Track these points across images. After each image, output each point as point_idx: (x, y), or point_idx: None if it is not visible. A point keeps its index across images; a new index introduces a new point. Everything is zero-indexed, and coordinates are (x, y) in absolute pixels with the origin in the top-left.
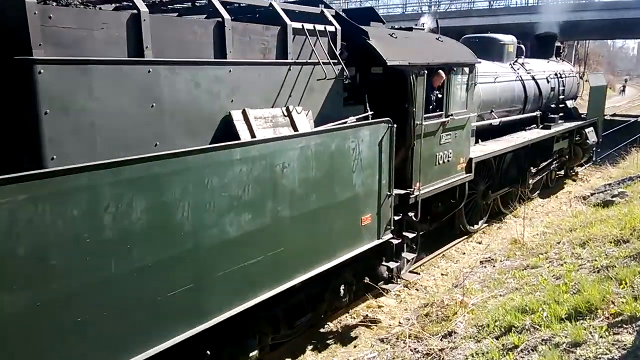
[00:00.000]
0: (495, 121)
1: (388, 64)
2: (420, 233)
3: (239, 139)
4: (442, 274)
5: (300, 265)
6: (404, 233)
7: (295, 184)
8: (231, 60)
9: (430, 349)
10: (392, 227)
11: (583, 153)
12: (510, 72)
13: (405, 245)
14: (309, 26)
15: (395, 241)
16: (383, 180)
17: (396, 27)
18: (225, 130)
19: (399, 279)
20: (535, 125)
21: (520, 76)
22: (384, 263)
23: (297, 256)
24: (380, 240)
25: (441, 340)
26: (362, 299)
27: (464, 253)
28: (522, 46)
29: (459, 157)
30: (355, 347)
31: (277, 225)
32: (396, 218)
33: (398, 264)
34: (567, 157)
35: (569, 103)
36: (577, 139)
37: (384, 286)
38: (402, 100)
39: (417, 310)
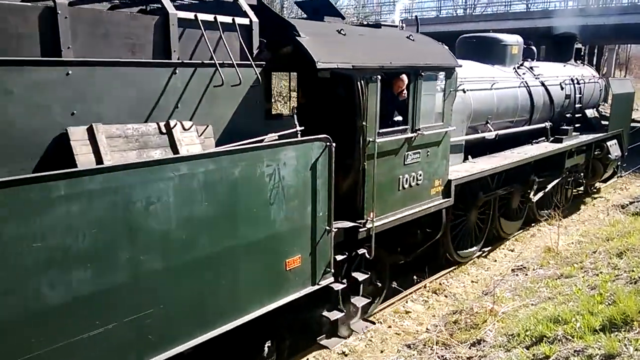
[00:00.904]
0: (490, 134)
1: (318, 66)
2: (402, 262)
3: (75, 165)
4: (472, 281)
5: (185, 328)
6: (354, 274)
7: (171, 225)
8: (70, 59)
9: (458, 356)
10: (333, 270)
11: (604, 169)
12: (513, 77)
13: (366, 284)
14: (205, 17)
15: (338, 286)
16: (319, 213)
17: (366, 23)
18: (59, 155)
19: (356, 327)
20: (544, 138)
21: (526, 82)
22: (324, 313)
23: (180, 318)
24: (316, 287)
25: (470, 348)
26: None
27: (495, 260)
28: (533, 48)
29: (434, 179)
30: (382, 352)
31: (140, 281)
32: (340, 257)
33: (343, 313)
34: (584, 173)
35: (589, 112)
36: (597, 153)
37: (323, 342)
38: (350, 113)
39: (445, 316)
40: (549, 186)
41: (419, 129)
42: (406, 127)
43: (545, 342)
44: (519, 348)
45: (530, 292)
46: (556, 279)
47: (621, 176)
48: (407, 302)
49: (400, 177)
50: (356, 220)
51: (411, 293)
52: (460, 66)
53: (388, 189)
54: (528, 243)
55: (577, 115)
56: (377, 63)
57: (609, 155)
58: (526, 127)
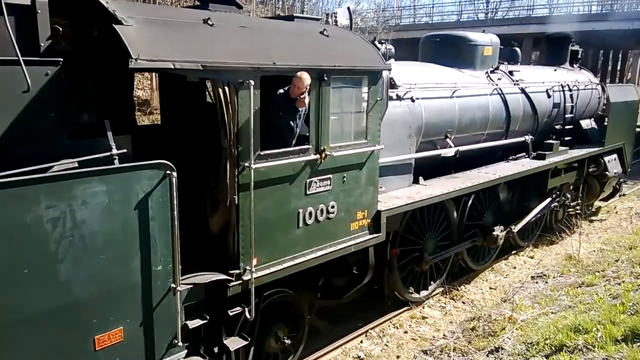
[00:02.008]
0: (449, 151)
1: (132, 64)
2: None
3: None
4: (490, 288)
5: None
6: (226, 341)
7: None
8: None
9: None
10: (182, 342)
11: (600, 187)
12: (484, 83)
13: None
14: None
15: None
16: (157, 266)
17: (278, 15)
18: None
19: None
20: (525, 154)
21: (500, 89)
22: None
23: None
24: None
25: (487, 355)
26: None
27: (514, 267)
28: (517, 49)
29: (355, 210)
30: (397, 357)
31: None
32: (199, 322)
33: None
34: (575, 193)
35: (585, 123)
36: (592, 169)
37: None
38: (214, 130)
39: (462, 323)
40: (533, 212)
41: (323, 149)
42: (307, 146)
43: (565, 352)
44: (538, 357)
45: (550, 300)
46: (577, 288)
47: (624, 194)
48: (424, 307)
49: (301, 210)
50: (229, 270)
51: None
52: (389, 69)
53: (280, 228)
54: (548, 250)
55: (567, 127)
56: (253, 62)
57: (606, 173)
58: (500, 142)
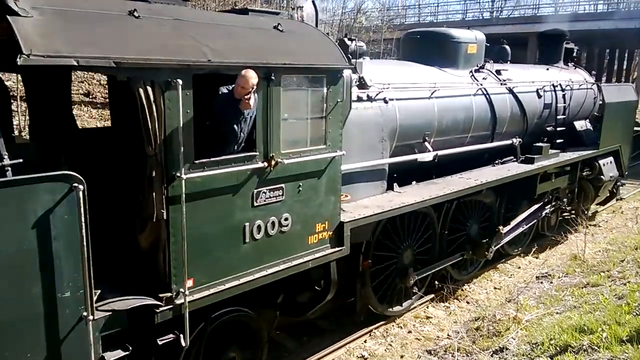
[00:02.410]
0: (426, 156)
1: (20, 61)
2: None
3: None
4: (494, 288)
5: None
6: None
7: None
8: None
9: None
10: None
11: (595, 192)
12: (467, 82)
13: None
14: None
15: None
16: (64, 292)
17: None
18: None
19: None
20: (512, 158)
21: (485, 89)
22: None
23: None
24: None
25: (492, 356)
26: None
27: (519, 267)
28: (507, 47)
29: (313, 222)
30: (402, 357)
31: None
32: (119, 354)
33: None
34: (567, 198)
35: (579, 125)
36: (586, 173)
37: None
38: (138, 135)
39: (467, 323)
40: (519, 218)
41: (272, 156)
42: (254, 153)
43: (570, 352)
44: (543, 357)
45: (555, 301)
46: (582, 288)
47: (621, 198)
48: (427, 307)
49: (247, 224)
50: (160, 292)
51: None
52: (353, 68)
53: (222, 244)
54: (553, 250)
55: (559, 129)
56: (182, 59)
57: (601, 176)
58: (485, 145)
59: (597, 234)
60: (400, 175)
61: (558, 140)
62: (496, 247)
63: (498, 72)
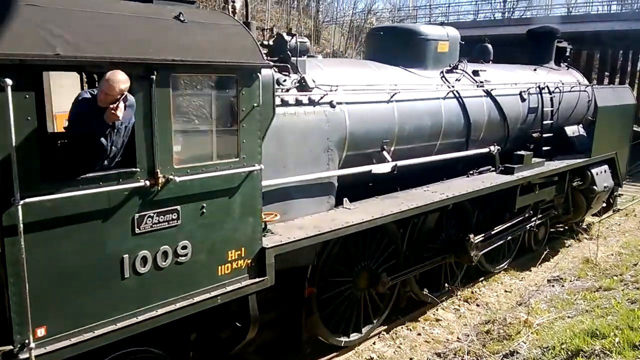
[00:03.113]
0: (383, 167)
1: None
2: None
3: None
4: (505, 291)
5: None
6: None
7: None
8: None
9: None
10: None
11: (588, 203)
12: (436, 84)
13: None
14: None
15: None
16: None
17: None
18: None
19: None
20: (491, 168)
21: (457, 91)
22: None
23: None
24: None
25: (502, 359)
26: None
27: (530, 270)
28: (489, 45)
29: (224, 249)
30: (411, 359)
31: None
32: None
33: None
34: (556, 211)
35: (570, 130)
36: (577, 183)
37: None
38: None
39: (477, 326)
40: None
41: (158, 172)
42: (133, 170)
43: (582, 357)
44: None
45: (567, 304)
46: (594, 292)
47: (618, 210)
48: (437, 309)
49: (127, 256)
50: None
51: None
52: (270, 66)
53: (89, 282)
54: (565, 253)
55: (547, 135)
56: (11, 52)
57: (594, 187)
58: (456, 154)
59: (610, 237)
60: (359, 189)
61: (545, 148)
62: (480, 253)
63: (475, 72)
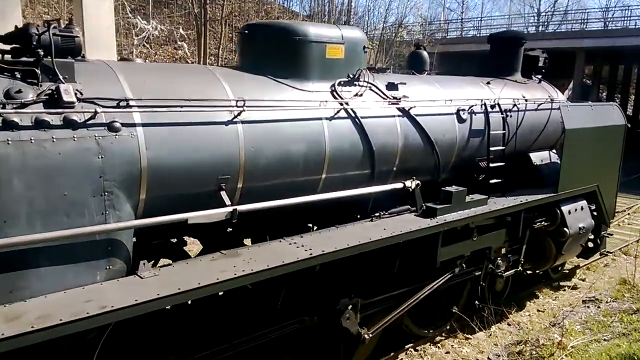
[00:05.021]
0: (215, 213)
1: None
2: None
3: None
4: (538, 310)
5: None
6: None
7: None
8: None
9: None
10: None
11: (557, 249)
12: (319, 100)
13: None
14: None
15: None
16: None
17: None
18: None
19: None
20: (410, 208)
21: (353, 109)
22: None
23: None
24: None
25: None
26: None
27: (564, 290)
28: (424, 53)
29: None
30: None
31: None
32: None
33: None
34: (508, 261)
35: (537, 157)
36: (542, 224)
37: None
38: None
39: (508, 346)
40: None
41: None
42: None
43: None
44: None
45: (603, 327)
46: (632, 314)
47: (607, 253)
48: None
49: None
50: None
51: None
52: None
53: None
54: (601, 273)
55: (499, 164)
56: None
57: (564, 229)
58: (354, 192)
59: None
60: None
61: (494, 180)
62: (372, 332)
63: (391, 86)
